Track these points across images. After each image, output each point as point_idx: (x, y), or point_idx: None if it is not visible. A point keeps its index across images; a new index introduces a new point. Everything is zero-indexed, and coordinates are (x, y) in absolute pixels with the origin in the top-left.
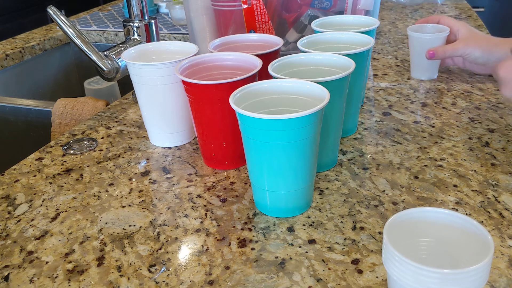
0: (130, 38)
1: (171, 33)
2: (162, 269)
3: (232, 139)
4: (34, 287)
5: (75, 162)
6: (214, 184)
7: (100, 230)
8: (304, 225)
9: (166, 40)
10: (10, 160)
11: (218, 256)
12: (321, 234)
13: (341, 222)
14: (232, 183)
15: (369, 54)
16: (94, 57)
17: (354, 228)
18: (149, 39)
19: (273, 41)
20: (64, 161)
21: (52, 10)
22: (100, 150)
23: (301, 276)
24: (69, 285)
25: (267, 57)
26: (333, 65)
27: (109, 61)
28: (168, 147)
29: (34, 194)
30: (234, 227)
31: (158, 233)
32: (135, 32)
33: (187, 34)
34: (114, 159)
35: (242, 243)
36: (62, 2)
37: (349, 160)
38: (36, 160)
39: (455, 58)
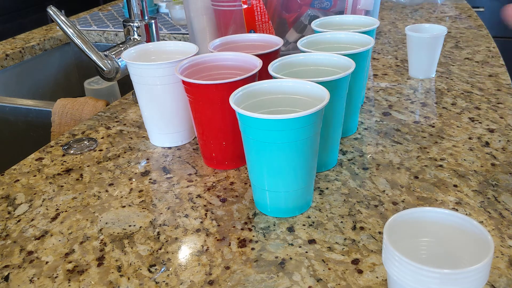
0: (130, 38)
1: (171, 33)
2: (162, 269)
3: (232, 139)
4: (34, 287)
5: (75, 162)
6: (214, 184)
7: (100, 230)
8: (304, 225)
9: (166, 40)
10: (10, 160)
11: (218, 256)
12: (321, 234)
13: (341, 222)
14: (232, 183)
15: (369, 54)
16: (94, 57)
17: (354, 228)
18: (149, 39)
19: (273, 41)
20: (64, 161)
21: (52, 10)
22: (100, 150)
23: (301, 276)
24: (69, 285)
25: (267, 57)
26: (333, 65)
27: (109, 61)
28: (168, 147)
29: (34, 194)
30: (234, 227)
31: (158, 233)
32: (135, 32)
33: (187, 34)
34: (114, 159)
35: (242, 243)
36: (62, 2)
37: (349, 160)
38: (36, 160)
39: None
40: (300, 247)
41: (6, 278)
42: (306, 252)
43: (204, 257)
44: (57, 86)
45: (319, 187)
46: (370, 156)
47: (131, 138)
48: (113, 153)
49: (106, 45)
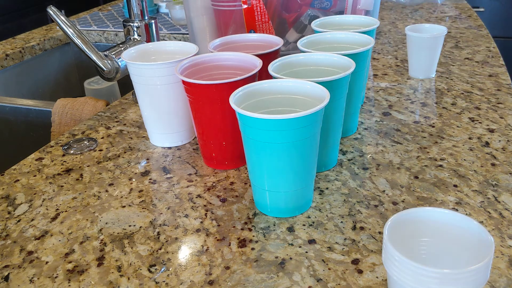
0: (130, 38)
1: (171, 33)
2: (162, 269)
3: (232, 139)
4: (34, 287)
5: (75, 162)
6: (214, 184)
7: (100, 230)
8: (304, 225)
9: (166, 40)
10: (10, 160)
11: (218, 256)
12: (321, 234)
13: (341, 222)
14: (232, 183)
15: (369, 54)
16: (94, 57)
17: (354, 228)
18: (149, 39)
19: (273, 41)
20: (64, 161)
21: (52, 10)
22: (100, 150)
23: (301, 276)
24: (69, 285)
25: (267, 57)
26: (333, 65)
27: (109, 61)
28: (168, 147)
29: (34, 194)
30: (234, 227)
31: (158, 233)
32: (135, 32)
33: (187, 34)
34: (114, 159)
35: (242, 243)
36: (62, 2)
37: (349, 160)
38: (36, 160)
39: None
40: (300, 247)
41: (6, 278)
42: (306, 252)
43: (204, 257)
44: (57, 86)
45: (319, 187)
46: (370, 156)
47: (131, 138)
48: (113, 153)
49: (106, 45)
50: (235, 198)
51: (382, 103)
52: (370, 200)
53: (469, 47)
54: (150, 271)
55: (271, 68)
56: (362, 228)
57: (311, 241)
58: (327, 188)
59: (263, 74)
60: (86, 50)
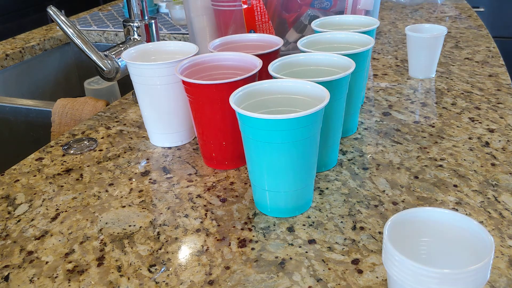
0: (130, 38)
1: (171, 33)
2: (162, 269)
3: (232, 139)
4: (34, 287)
5: (75, 162)
6: (214, 184)
7: (100, 230)
8: (304, 225)
9: (166, 40)
10: (10, 160)
11: (218, 256)
12: (321, 234)
13: (341, 222)
14: (232, 183)
15: (369, 54)
16: (94, 57)
17: (354, 228)
18: (149, 39)
19: (273, 41)
20: (64, 161)
21: (52, 10)
22: (100, 150)
23: (301, 276)
24: (69, 285)
25: (267, 57)
26: (333, 65)
27: (109, 61)
28: (168, 147)
29: (34, 194)
30: (234, 227)
31: (158, 233)
32: (135, 32)
33: (187, 34)
34: (114, 159)
35: (242, 243)
36: (62, 2)
37: (349, 160)
38: (36, 160)
39: None
40: (300, 247)
41: (6, 278)
42: (306, 252)
43: (204, 257)
44: (57, 86)
45: (319, 187)
46: (370, 156)
47: (131, 138)
48: (113, 153)
49: (106, 45)
50: (235, 198)
51: (382, 103)
52: (370, 200)
53: (469, 47)
54: (150, 271)
55: (271, 68)
56: (362, 228)
57: (311, 241)
58: (327, 188)
59: (263, 74)
60: (86, 50)
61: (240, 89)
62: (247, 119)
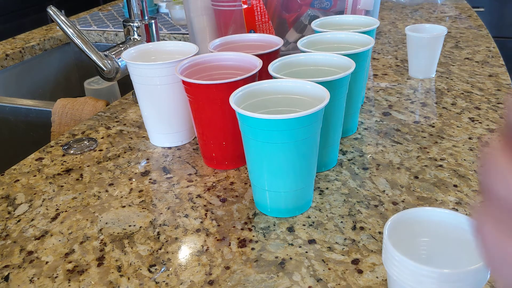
0: (130, 38)
1: (171, 33)
2: (162, 269)
3: (232, 139)
4: (34, 287)
5: (75, 162)
6: (214, 184)
7: (100, 230)
8: (304, 225)
9: (166, 40)
10: (10, 160)
11: (218, 256)
12: (321, 234)
13: (341, 222)
14: (232, 183)
15: (369, 54)
16: (94, 57)
17: (354, 228)
18: (149, 39)
19: (273, 41)
20: (64, 161)
21: (52, 10)
22: (100, 150)
23: (301, 276)
24: (69, 285)
25: (267, 57)
26: (333, 65)
27: (109, 61)
28: (168, 147)
29: (34, 194)
30: (234, 227)
31: (158, 233)
32: (135, 32)
33: (187, 34)
34: (114, 159)
35: (242, 243)
36: (62, 2)
37: (349, 160)
38: (36, 160)
39: None
40: (300, 247)
41: (6, 278)
42: (306, 252)
43: (204, 257)
44: (57, 86)
45: (319, 187)
46: (370, 156)
47: (131, 138)
48: (113, 153)
49: (106, 45)
50: (235, 198)
51: (382, 103)
52: (370, 200)
53: (469, 47)
54: (150, 271)
55: (271, 68)
56: (362, 228)
57: (311, 241)
58: (327, 188)
59: (263, 74)
60: (86, 50)
61: (240, 89)
62: (247, 119)
